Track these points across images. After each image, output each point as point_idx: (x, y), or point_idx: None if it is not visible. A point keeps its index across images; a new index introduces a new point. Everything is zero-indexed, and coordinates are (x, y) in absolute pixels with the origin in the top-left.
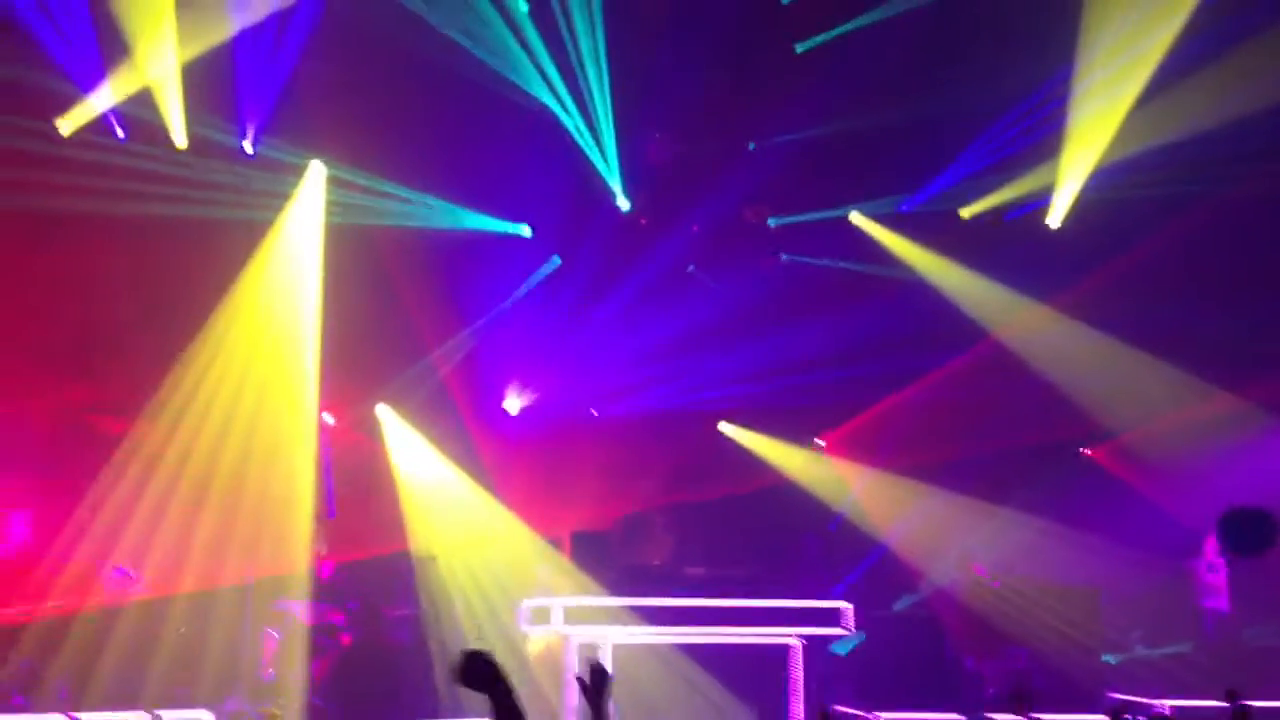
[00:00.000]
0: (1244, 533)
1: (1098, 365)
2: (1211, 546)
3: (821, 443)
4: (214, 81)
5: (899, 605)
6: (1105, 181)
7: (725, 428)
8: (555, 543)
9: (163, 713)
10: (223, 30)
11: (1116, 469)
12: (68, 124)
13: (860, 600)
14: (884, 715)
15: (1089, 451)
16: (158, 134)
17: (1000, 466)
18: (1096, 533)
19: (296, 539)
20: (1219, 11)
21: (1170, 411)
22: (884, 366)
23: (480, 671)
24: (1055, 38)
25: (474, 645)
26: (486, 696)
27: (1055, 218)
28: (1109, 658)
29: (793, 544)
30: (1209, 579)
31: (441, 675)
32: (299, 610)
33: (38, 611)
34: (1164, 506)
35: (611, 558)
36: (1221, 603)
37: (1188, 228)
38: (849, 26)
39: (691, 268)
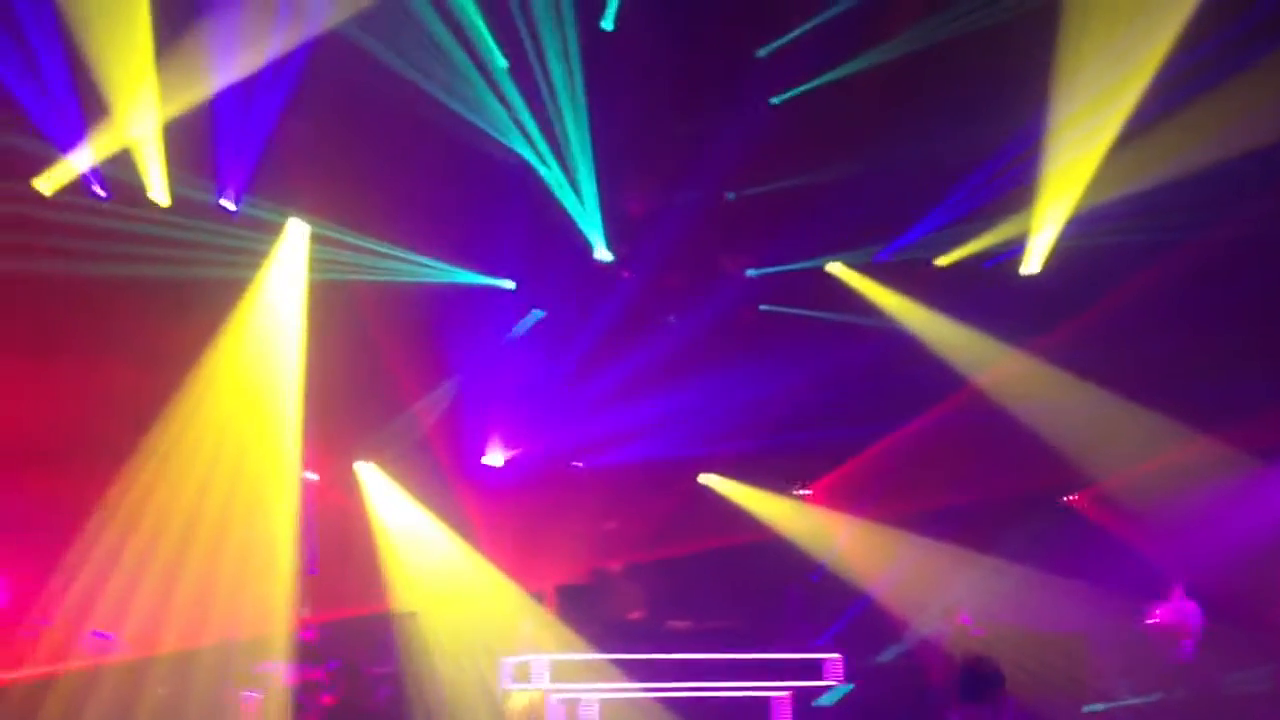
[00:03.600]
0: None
1: (1077, 411)
2: (1177, 591)
3: (805, 492)
4: (195, 140)
5: (884, 656)
6: (1081, 228)
7: (707, 479)
8: (539, 597)
9: None
10: (204, 88)
11: (1098, 515)
12: (47, 184)
13: (846, 651)
14: None
15: (1071, 498)
16: (138, 193)
17: (983, 514)
18: (1080, 579)
19: (278, 598)
20: (1190, 59)
21: (1150, 457)
22: (866, 415)
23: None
24: (1028, 86)
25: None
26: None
27: (1031, 264)
28: (1093, 706)
29: (777, 595)
30: (1178, 626)
31: None
32: (280, 671)
33: (17, 676)
34: (1145, 553)
35: (595, 612)
36: (1189, 650)
37: (1163, 273)
38: (823, 79)
39: (672, 319)
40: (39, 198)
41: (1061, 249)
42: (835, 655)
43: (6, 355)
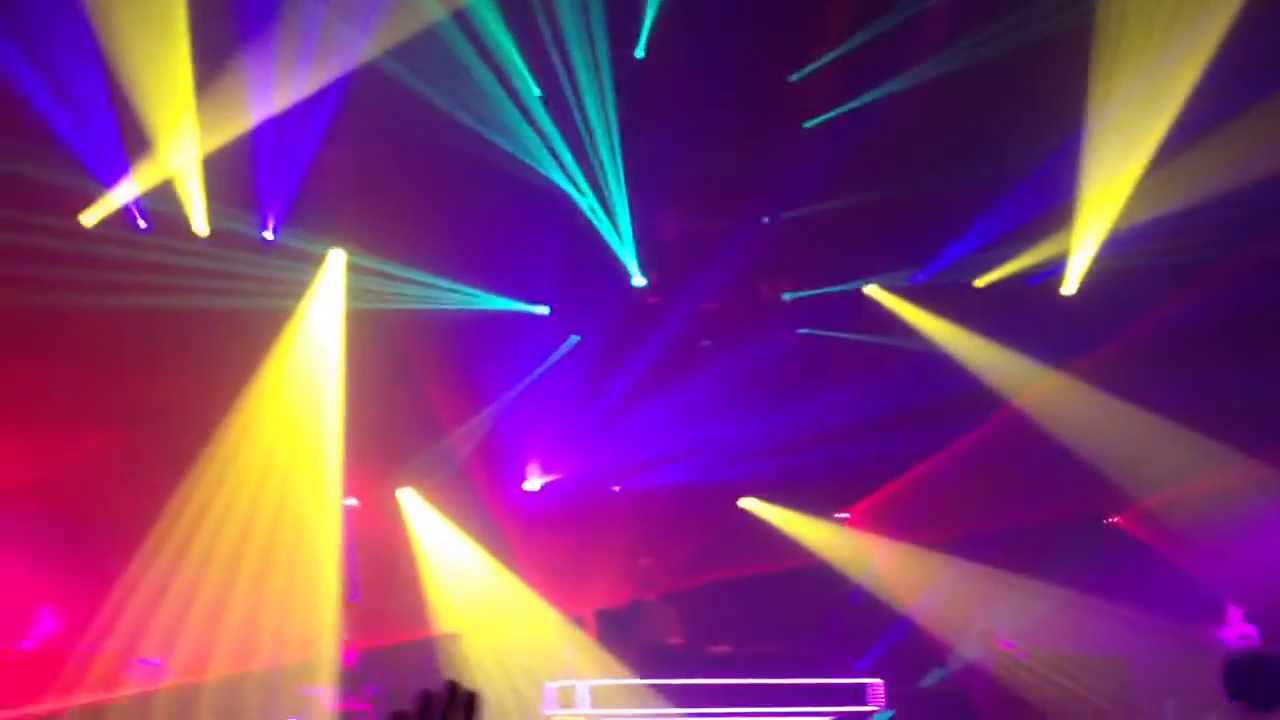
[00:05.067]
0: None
1: (1118, 432)
2: (1236, 614)
3: (844, 515)
4: (235, 172)
5: (927, 680)
6: (1119, 248)
7: (746, 503)
8: (578, 621)
9: None
10: (243, 120)
11: (1141, 535)
12: (89, 218)
13: (888, 675)
14: None
15: (1113, 519)
16: (179, 225)
17: (1025, 536)
18: (1123, 601)
19: (322, 624)
20: (1227, 78)
21: (1192, 478)
22: (904, 438)
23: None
24: (1064, 105)
25: None
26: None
27: (1070, 285)
28: None
29: (817, 619)
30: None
31: None
32: (324, 696)
33: (68, 705)
34: (1191, 572)
35: (636, 637)
36: None
37: (1204, 292)
38: (856, 103)
39: (708, 343)
40: (83, 232)
41: (1100, 269)
42: (877, 680)
43: (51, 386)
